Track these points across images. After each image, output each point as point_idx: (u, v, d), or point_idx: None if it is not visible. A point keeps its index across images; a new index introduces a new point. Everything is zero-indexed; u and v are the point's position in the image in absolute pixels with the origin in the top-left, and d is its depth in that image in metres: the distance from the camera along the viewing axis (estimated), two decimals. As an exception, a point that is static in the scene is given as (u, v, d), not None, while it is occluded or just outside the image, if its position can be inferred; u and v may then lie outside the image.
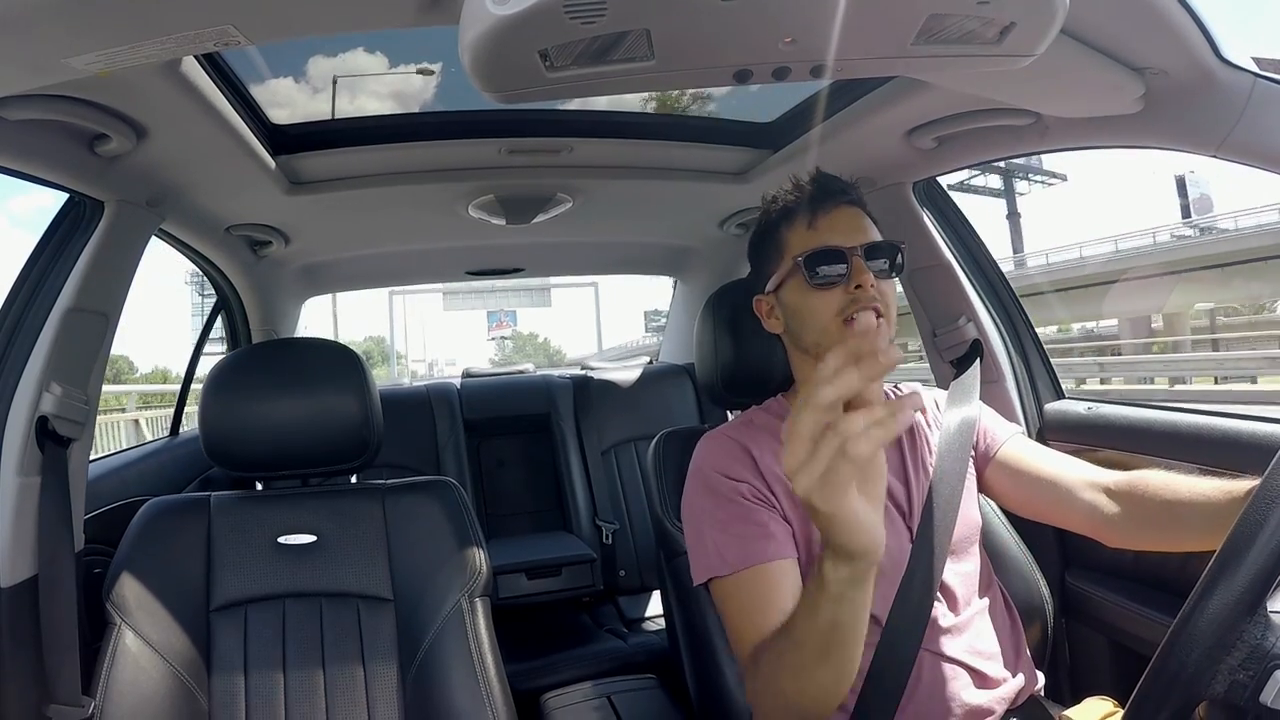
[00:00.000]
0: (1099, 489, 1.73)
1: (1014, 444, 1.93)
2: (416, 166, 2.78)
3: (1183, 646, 0.98)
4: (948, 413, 1.96)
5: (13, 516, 1.88)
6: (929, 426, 1.95)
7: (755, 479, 1.74)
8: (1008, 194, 50.00)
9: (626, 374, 4.65)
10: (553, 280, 34.76)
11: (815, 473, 1.04)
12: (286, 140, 2.49)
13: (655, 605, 3.91)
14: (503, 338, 63.61)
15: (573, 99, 2.42)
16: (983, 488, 1.93)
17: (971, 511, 1.85)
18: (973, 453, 1.90)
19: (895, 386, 2.02)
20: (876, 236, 1.79)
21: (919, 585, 1.67)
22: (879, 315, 1.72)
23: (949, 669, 1.69)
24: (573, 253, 4.47)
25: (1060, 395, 2.72)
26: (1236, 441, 2.01)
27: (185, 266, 3.96)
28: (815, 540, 1.69)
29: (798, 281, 1.76)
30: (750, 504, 1.70)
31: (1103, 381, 28.51)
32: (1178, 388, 26.11)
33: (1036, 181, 50.89)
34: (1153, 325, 38.98)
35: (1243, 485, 1.46)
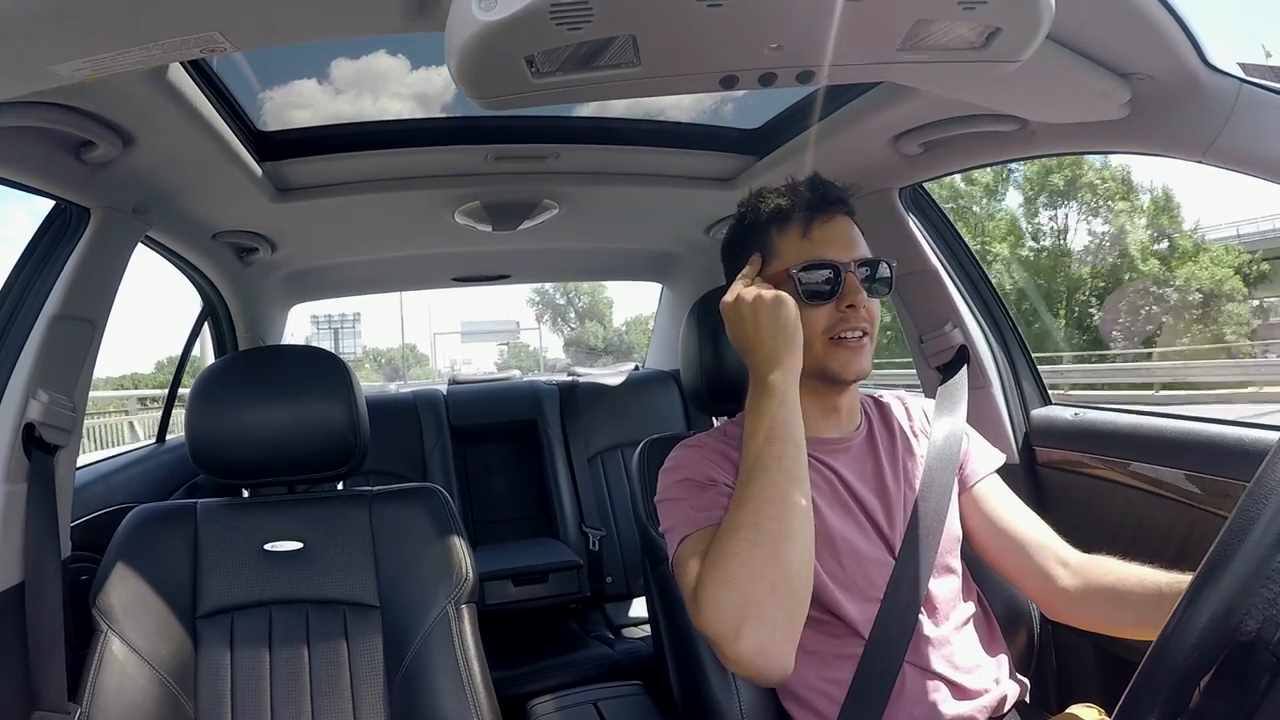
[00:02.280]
0: (1057, 560, 1.76)
1: (990, 483, 1.92)
2: (402, 173, 2.78)
3: (1220, 569, 0.96)
4: (936, 422, 1.96)
5: None
6: (914, 435, 1.94)
7: (731, 477, 1.71)
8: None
9: (613, 380, 4.66)
10: (522, 326, 75.15)
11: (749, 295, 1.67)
12: (273, 146, 2.48)
13: (641, 611, 3.92)
14: (505, 343, 78.07)
15: (559, 105, 2.43)
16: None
17: (954, 524, 1.84)
18: (958, 469, 1.90)
19: (876, 397, 2.01)
20: (866, 250, 1.79)
21: (903, 599, 1.68)
22: (864, 334, 1.74)
23: (930, 681, 1.68)
24: (559, 259, 4.48)
25: (1047, 401, 2.73)
26: (1223, 447, 2.01)
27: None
28: None
29: (788, 290, 1.72)
30: (726, 491, 1.67)
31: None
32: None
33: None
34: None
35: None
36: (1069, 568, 1.73)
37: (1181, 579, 1.50)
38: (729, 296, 1.72)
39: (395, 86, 2.56)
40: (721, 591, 1.46)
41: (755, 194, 1.88)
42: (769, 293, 1.65)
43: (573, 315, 75.76)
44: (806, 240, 1.76)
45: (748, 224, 1.87)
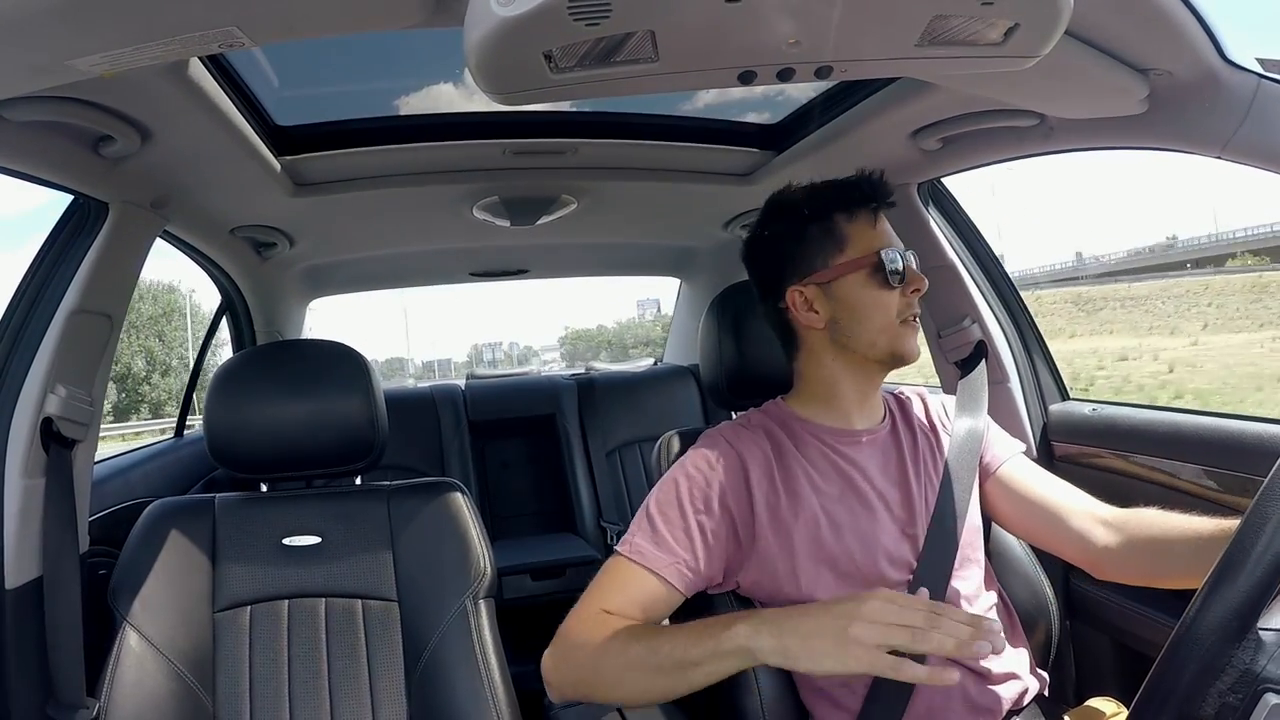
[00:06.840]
0: (1095, 520, 1.76)
1: (1016, 463, 1.93)
2: (421, 168, 2.78)
3: (1174, 669, 0.97)
4: (957, 420, 1.95)
5: (17, 518, 1.87)
6: (933, 431, 1.94)
7: (736, 495, 1.73)
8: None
9: (631, 375, 4.66)
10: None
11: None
12: (291, 141, 2.48)
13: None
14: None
15: (577, 100, 2.42)
16: (980, 501, 1.92)
17: (975, 516, 1.84)
18: (979, 461, 1.90)
19: (896, 393, 2.01)
20: None
21: (926, 591, 1.67)
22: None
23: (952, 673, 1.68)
24: (577, 254, 4.47)
25: (1065, 397, 2.72)
26: (1241, 443, 2.01)
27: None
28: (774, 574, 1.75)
29: (861, 277, 1.75)
30: (692, 520, 1.71)
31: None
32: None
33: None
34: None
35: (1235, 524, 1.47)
36: (1108, 525, 1.74)
37: (1225, 523, 1.50)
38: (845, 621, 1.32)
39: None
40: (572, 676, 1.72)
41: (812, 185, 1.88)
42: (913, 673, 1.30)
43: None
44: (876, 230, 1.78)
45: (812, 213, 1.83)
